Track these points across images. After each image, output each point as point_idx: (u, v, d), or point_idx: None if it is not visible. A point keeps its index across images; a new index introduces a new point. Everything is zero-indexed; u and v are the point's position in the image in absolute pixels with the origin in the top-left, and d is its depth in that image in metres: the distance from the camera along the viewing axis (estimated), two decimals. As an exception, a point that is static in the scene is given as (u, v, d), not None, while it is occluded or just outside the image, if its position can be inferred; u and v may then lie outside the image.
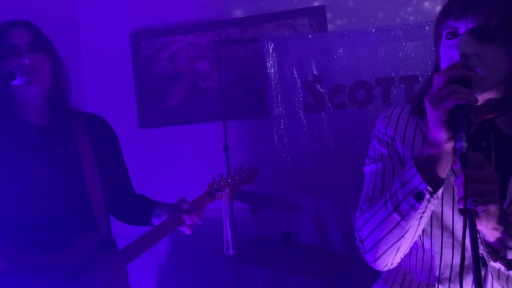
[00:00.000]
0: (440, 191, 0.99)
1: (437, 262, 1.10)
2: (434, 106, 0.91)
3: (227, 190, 1.74)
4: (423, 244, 1.12)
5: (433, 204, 0.99)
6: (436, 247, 1.09)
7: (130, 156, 1.90)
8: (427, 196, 0.96)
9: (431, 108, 0.92)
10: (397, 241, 1.02)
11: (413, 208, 0.98)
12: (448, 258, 1.09)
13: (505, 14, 0.96)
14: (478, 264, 0.81)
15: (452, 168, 1.05)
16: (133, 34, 3.21)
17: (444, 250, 1.09)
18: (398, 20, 2.83)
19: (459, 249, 1.07)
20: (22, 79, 1.36)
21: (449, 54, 1.00)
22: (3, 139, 1.54)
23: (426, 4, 2.80)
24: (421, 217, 1.00)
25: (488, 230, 0.95)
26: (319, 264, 2.27)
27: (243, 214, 2.50)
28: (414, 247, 1.15)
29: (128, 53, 3.22)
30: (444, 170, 0.97)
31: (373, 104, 2.67)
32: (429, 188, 0.96)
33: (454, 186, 1.08)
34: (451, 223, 1.07)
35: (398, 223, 1.00)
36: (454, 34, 1.00)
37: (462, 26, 0.98)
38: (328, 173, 2.72)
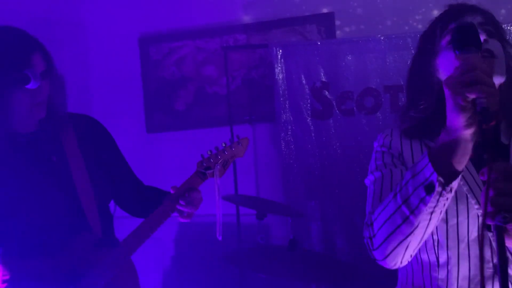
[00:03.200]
0: (455, 184, 0.91)
1: (454, 275, 1.06)
2: (453, 90, 0.84)
3: (217, 167, 1.64)
4: (438, 259, 1.09)
5: (446, 199, 0.92)
6: (453, 260, 1.06)
7: (137, 160, 1.89)
8: (438, 188, 0.89)
9: (450, 92, 0.85)
10: (406, 237, 0.96)
11: (423, 201, 0.91)
12: (466, 270, 1.05)
13: (494, 18, 1.11)
14: (507, 282, 0.74)
15: (463, 177, 1.02)
16: (141, 39, 3.22)
17: (461, 262, 1.05)
18: (406, 28, 2.83)
19: (476, 260, 1.04)
20: (36, 83, 1.35)
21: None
22: None
23: (435, 12, 2.77)
24: (432, 212, 0.93)
25: None
26: (325, 272, 2.25)
27: (249, 220, 2.50)
28: (427, 263, 1.11)
29: (136, 58, 3.23)
30: (460, 161, 0.89)
31: (381, 112, 2.66)
32: (440, 179, 0.88)
33: (468, 195, 1.06)
34: (466, 234, 1.05)
35: (407, 217, 0.94)
36: None
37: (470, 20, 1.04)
38: (334, 179, 2.71)
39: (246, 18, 3.07)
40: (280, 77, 2.76)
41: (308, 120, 2.75)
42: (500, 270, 0.73)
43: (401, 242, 0.97)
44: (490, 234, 1.02)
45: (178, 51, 3.18)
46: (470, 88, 0.81)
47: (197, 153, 3.14)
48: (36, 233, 1.52)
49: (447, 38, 1.07)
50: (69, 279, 1.50)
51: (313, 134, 2.74)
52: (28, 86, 1.33)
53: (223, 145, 1.70)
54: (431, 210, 0.92)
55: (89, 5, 3.28)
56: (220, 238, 1.63)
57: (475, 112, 0.82)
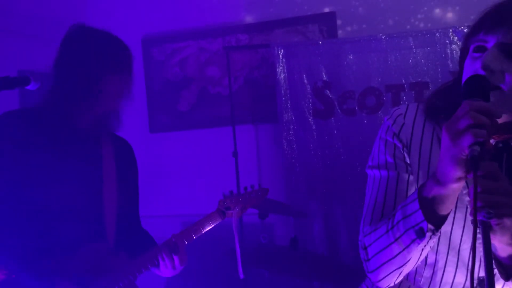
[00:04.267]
0: (443, 228, 0.95)
1: (438, 278, 1.08)
2: (453, 140, 0.83)
3: (237, 209, 1.75)
4: (426, 258, 1.10)
5: (436, 238, 0.96)
6: (440, 264, 1.07)
7: (140, 160, 1.91)
8: (429, 233, 0.93)
9: (449, 142, 0.84)
10: (399, 267, 1.02)
11: (414, 242, 0.96)
12: (450, 276, 1.07)
13: None
14: (492, 280, 0.75)
15: (466, 185, 1.01)
16: (144, 40, 3.24)
17: (447, 268, 1.07)
18: (408, 27, 2.84)
19: (462, 269, 1.05)
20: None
21: (474, 67, 0.97)
22: (47, 137, 1.53)
23: (437, 11, 2.80)
24: (423, 249, 0.98)
25: (502, 245, 0.91)
26: (327, 270, 2.27)
27: (252, 219, 2.51)
28: None
29: (139, 59, 3.25)
30: (448, 208, 0.93)
31: (383, 111, 2.67)
32: (430, 226, 0.92)
33: (468, 206, 1.04)
34: (459, 242, 1.05)
35: (400, 253, 0.99)
36: (482, 48, 0.98)
37: (492, 40, 0.95)
38: (337, 179, 2.72)
39: (248, 19, 3.09)
40: (282, 77, 2.78)
41: (310, 119, 2.76)
42: (486, 266, 0.74)
43: (394, 270, 1.03)
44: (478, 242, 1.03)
45: (181, 52, 3.20)
46: (464, 136, 0.80)
47: (200, 153, 3.17)
48: (53, 234, 1.52)
49: (474, 45, 1.00)
50: (74, 284, 1.51)
51: (315, 134, 2.76)
52: (28, 87, 1.36)
53: (245, 189, 1.80)
54: (422, 247, 0.97)
55: (92, 6, 3.30)
56: (242, 277, 1.73)
57: (467, 162, 0.82)
